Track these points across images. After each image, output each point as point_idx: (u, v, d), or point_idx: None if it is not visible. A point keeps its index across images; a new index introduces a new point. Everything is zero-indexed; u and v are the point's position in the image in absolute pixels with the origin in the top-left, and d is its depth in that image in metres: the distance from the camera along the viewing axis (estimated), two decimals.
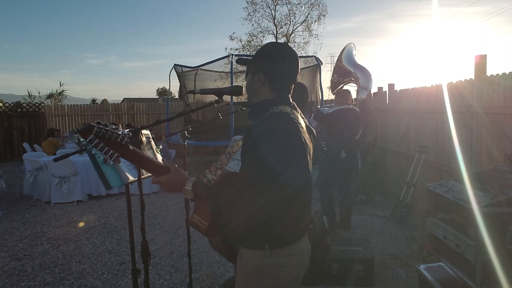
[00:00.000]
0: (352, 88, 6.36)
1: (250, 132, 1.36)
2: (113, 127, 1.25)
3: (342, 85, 6.46)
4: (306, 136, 1.39)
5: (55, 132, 9.27)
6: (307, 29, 22.49)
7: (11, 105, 12.60)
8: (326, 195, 4.66)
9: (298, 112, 1.49)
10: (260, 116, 1.42)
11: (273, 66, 1.44)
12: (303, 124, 1.44)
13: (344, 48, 6.68)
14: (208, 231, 1.40)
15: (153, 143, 2.60)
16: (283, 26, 22.66)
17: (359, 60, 6.58)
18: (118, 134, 1.21)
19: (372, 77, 6.15)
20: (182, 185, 1.33)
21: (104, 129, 1.18)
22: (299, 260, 1.46)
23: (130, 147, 1.25)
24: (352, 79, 6.32)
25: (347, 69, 6.40)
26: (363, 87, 5.94)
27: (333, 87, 6.68)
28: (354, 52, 6.55)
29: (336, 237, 4.09)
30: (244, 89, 1.67)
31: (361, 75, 6.16)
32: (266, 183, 1.24)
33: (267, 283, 1.41)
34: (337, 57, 7.02)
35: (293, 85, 1.51)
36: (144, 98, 45.37)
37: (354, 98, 5.63)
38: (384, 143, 6.77)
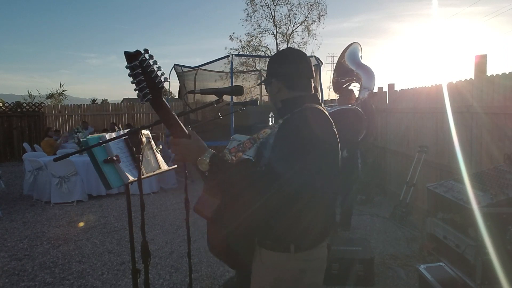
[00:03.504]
0: (355, 88, 6.33)
1: (284, 124, 1.37)
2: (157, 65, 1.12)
3: (347, 84, 6.42)
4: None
5: (49, 132, 9.26)
6: (306, 29, 22.51)
7: (11, 105, 12.60)
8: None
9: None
10: (292, 110, 1.43)
11: (281, 67, 1.49)
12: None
13: (349, 46, 6.63)
14: (213, 217, 1.29)
15: (153, 143, 2.60)
16: (282, 26, 22.67)
17: (363, 60, 6.52)
18: (158, 74, 1.12)
19: (375, 77, 6.11)
20: (200, 154, 1.24)
21: (149, 62, 1.09)
22: (319, 265, 1.43)
23: (162, 97, 1.17)
24: (354, 78, 6.29)
25: (348, 67, 6.36)
26: (365, 87, 5.91)
27: (335, 87, 6.65)
28: (360, 53, 6.51)
29: (336, 237, 4.09)
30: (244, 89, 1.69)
31: (363, 74, 6.13)
32: (292, 178, 1.21)
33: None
34: (337, 57, 7.00)
35: (313, 83, 1.53)
36: None
37: (357, 98, 5.61)
38: (384, 143, 6.77)
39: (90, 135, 2.23)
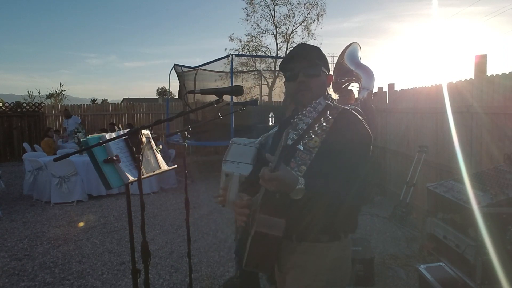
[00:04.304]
0: (355, 88, 6.32)
1: (336, 127, 1.37)
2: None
3: (346, 84, 6.42)
4: None
5: (49, 132, 9.28)
6: (306, 29, 22.52)
7: (11, 105, 12.60)
8: None
9: None
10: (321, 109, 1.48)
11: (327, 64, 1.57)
12: None
13: (349, 46, 6.63)
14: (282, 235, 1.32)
15: (153, 143, 2.60)
16: (282, 26, 22.68)
17: (361, 60, 6.51)
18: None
19: (374, 76, 6.10)
20: (294, 184, 1.26)
21: None
22: (351, 251, 1.56)
23: None
24: (353, 78, 6.29)
25: (347, 67, 6.36)
26: (365, 86, 5.92)
27: (334, 87, 6.65)
28: (359, 53, 6.51)
29: None
30: (246, 89, 1.68)
31: (363, 74, 6.13)
32: (357, 174, 1.35)
33: (337, 275, 1.46)
34: (337, 57, 6.98)
35: None
36: (144, 98, 45.34)
37: (356, 98, 5.61)
38: (384, 143, 6.77)
39: (90, 135, 2.23)
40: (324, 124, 1.36)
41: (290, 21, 22.51)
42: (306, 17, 22.29)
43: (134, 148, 1.91)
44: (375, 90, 7.31)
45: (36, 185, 6.62)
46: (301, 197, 1.27)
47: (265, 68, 18.60)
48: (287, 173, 1.26)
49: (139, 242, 2.05)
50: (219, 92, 1.63)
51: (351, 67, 6.30)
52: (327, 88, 1.57)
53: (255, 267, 1.46)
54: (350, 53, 6.47)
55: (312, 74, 1.48)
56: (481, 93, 3.97)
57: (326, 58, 1.56)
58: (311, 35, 22.50)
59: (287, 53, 1.68)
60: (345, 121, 1.41)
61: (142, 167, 2.14)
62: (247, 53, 22.01)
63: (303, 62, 1.48)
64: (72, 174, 6.35)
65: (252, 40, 22.49)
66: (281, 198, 1.31)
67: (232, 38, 22.42)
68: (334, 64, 7.03)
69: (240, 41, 22.50)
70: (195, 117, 10.07)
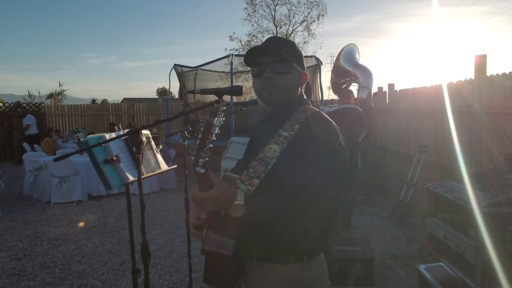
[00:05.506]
0: (354, 88, 6.34)
1: (301, 134, 1.26)
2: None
3: (346, 85, 6.44)
4: None
5: (50, 132, 9.29)
6: (306, 29, 22.55)
7: (11, 105, 12.60)
8: None
9: None
10: (289, 113, 1.33)
11: (302, 60, 1.40)
12: None
13: (344, 48, 6.66)
14: (234, 253, 1.20)
15: (153, 143, 2.60)
16: (282, 26, 22.70)
17: (361, 60, 6.53)
18: (210, 139, 1.09)
19: (373, 76, 6.12)
20: (232, 200, 1.10)
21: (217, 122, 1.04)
22: (325, 270, 1.39)
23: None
24: (352, 78, 6.31)
25: (345, 68, 6.39)
26: (363, 86, 5.93)
27: (334, 88, 6.67)
28: (356, 54, 6.53)
29: (336, 237, 4.09)
30: (244, 89, 1.66)
31: (361, 74, 6.15)
32: (323, 188, 1.18)
33: None
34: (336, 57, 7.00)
35: None
36: (144, 98, 45.39)
37: (355, 98, 5.63)
38: (384, 143, 6.77)
39: (90, 135, 2.23)
40: (288, 131, 1.24)
41: (290, 21, 22.56)
42: (306, 17, 22.32)
43: (134, 148, 1.91)
44: (375, 90, 7.32)
45: (36, 185, 6.62)
46: (242, 214, 1.10)
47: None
48: (221, 189, 1.10)
49: (139, 242, 2.04)
50: (219, 92, 1.63)
51: (348, 68, 6.32)
52: (300, 88, 1.39)
53: (213, 283, 1.37)
54: (345, 55, 6.49)
55: (281, 71, 1.30)
56: (481, 93, 3.97)
57: (301, 54, 1.38)
58: (312, 35, 22.54)
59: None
60: (312, 128, 1.25)
61: (142, 167, 2.14)
62: None
63: (272, 56, 1.30)
64: (72, 174, 6.35)
65: (252, 40, 22.52)
66: (226, 215, 1.14)
67: (232, 38, 22.46)
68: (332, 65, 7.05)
69: (241, 41, 22.53)
70: (195, 117, 10.07)
